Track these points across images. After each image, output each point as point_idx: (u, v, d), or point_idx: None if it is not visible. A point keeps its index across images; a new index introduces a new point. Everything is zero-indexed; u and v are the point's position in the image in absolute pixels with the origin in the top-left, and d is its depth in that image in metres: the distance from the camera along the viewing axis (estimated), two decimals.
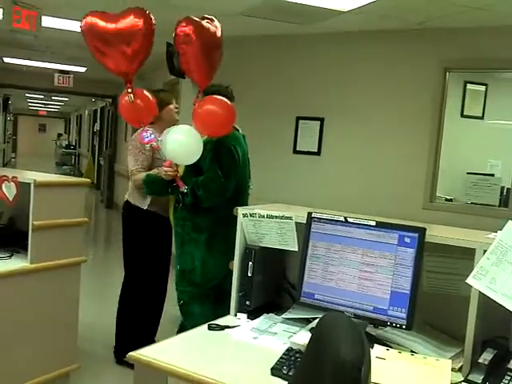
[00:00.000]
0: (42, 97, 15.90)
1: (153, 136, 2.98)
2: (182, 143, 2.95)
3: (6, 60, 8.39)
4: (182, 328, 3.33)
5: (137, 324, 3.59)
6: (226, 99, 3.05)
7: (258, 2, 3.93)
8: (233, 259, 3.18)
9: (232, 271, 3.30)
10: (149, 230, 3.47)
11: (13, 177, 2.77)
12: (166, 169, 3.03)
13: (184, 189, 3.04)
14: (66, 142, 22.60)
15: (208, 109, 2.96)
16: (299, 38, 4.93)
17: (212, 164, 3.04)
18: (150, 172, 3.31)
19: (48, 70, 8.84)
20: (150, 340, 3.58)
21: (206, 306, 3.18)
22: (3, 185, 2.74)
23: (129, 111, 2.92)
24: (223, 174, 3.02)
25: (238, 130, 3.30)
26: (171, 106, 3.56)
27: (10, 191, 2.75)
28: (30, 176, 2.87)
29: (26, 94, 15.62)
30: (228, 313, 2.16)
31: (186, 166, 3.14)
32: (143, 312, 3.61)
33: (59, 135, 24.68)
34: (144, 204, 3.47)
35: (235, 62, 5.37)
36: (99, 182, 13.21)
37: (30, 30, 4.09)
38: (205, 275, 3.12)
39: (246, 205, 3.22)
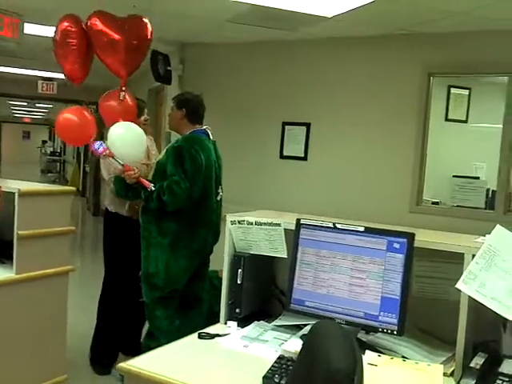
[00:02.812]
0: (26, 104, 15.76)
1: (104, 145, 3.08)
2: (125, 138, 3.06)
3: None
4: (149, 332, 3.36)
5: (115, 330, 3.65)
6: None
7: (243, 9, 3.93)
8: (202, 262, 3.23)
9: (200, 276, 3.40)
10: (127, 236, 3.48)
11: None
12: (126, 173, 3.10)
13: (151, 187, 3.10)
14: (51, 149, 22.40)
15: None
16: (284, 44, 4.94)
17: (176, 168, 3.10)
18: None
19: (31, 77, 8.77)
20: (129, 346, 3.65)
21: (169, 310, 3.28)
22: None
23: (69, 130, 3.07)
24: (187, 177, 3.08)
25: (208, 135, 3.35)
26: (141, 119, 3.55)
27: None
28: (14, 185, 2.83)
29: (10, 102, 15.47)
30: (212, 320, 2.13)
31: (155, 171, 3.22)
32: (122, 317, 3.68)
33: (44, 142, 24.46)
34: (124, 210, 3.55)
35: (220, 69, 5.37)
36: (85, 189, 13.10)
37: (12, 38, 4.05)
38: (168, 279, 3.19)
39: (214, 210, 3.31)
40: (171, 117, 3.42)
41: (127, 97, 3.13)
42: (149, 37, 3.10)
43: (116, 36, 2.97)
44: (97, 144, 3.09)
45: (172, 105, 3.41)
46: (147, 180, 3.15)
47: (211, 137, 3.37)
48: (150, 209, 3.18)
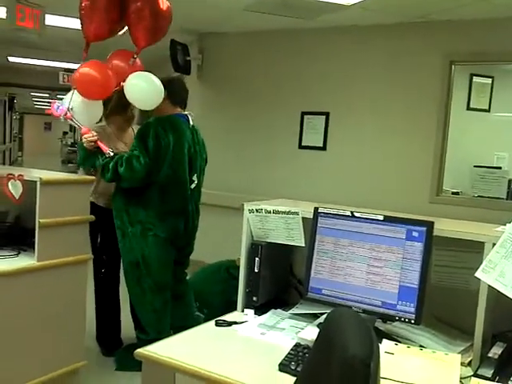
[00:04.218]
0: (48, 95, 15.91)
1: (62, 107, 3.00)
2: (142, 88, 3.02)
3: (11, 59, 8.40)
4: (140, 325, 3.38)
5: (112, 314, 3.70)
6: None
7: None
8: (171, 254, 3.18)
9: (176, 278, 3.37)
10: (105, 225, 3.43)
11: (19, 175, 2.77)
12: (84, 136, 3.04)
13: (109, 151, 3.04)
14: (72, 140, 22.61)
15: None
16: (303, 32, 4.90)
17: (138, 144, 3.03)
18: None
19: (53, 69, 8.85)
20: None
21: (156, 304, 3.23)
22: (9, 183, 2.74)
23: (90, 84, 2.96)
24: (148, 154, 2.99)
25: (187, 119, 3.25)
26: (124, 116, 3.54)
27: (16, 189, 2.75)
28: (36, 174, 2.86)
29: (32, 93, 15.65)
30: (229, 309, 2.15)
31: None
32: (117, 302, 3.72)
33: (64, 133, 24.70)
34: (92, 195, 3.46)
35: (239, 58, 5.36)
36: None
37: (33, 29, 4.08)
38: (147, 268, 3.15)
39: (186, 198, 3.22)
40: None
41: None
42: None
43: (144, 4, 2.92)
44: (55, 105, 3.02)
45: None
46: None
47: (191, 122, 3.27)
48: (120, 195, 3.12)
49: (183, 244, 3.33)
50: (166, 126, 3.08)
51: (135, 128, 3.64)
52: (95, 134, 3.06)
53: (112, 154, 3.03)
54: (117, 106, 3.41)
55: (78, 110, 3.03)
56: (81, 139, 3.20)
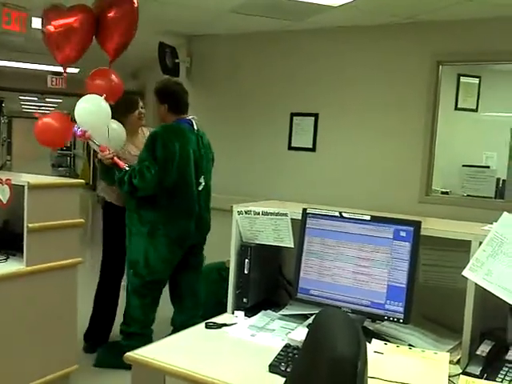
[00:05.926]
0: (36, 99, 15.83)
1: (81, 128, 3.19)
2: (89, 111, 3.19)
3: None
4: (124, 317, 3.45)
5: (109, 314, 3.74)
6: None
7: None
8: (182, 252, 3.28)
9: (192, 267, 3.46)
10: (123, 225, 3.50)
11: (6, 179, 2.76)
12: (101, 154, 3.18)
13: (125, 167, 3.17)
14: None
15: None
16: (292, 34, 4.91)
17: (148, 154, 3.15)
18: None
19: (41, 72, 8.80)
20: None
21: (146, 300, 3.33)
22: None
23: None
24: (157, 163, 3.11)
25: (191, 124, 3.33)
26: (135, 113, 3.62)
27: (3, 194, 2.74)
28: (24, 178, 2.85)
29: (20, 97, 15.55)
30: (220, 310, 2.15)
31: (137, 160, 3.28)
32: (116, 302, 3.76)
33: None
34: (113, 199, 3.63)
35: (228, 60, 5.36)
36: (95, 183, 13.18)
37: (20, 32, 4.08)
38: (147, 267, 3.24)
39: (194, 200, 3.32)
40: (156, 111, 3.40)
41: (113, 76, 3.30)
42: None
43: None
44: (75, 127, 3.20)
45: (155, 98, 3.37)
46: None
47: (195, 127, 3.35)
48: (132, 197, 3.23)
49: (193, 243, 3.41)
50: (171, 136, 3.19)
51: (145, 130, 3.72)
52: (112, 151, 3.19)
53: (128, 168, 3.16)
54: (125, 108, 3.52)
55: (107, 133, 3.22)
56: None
